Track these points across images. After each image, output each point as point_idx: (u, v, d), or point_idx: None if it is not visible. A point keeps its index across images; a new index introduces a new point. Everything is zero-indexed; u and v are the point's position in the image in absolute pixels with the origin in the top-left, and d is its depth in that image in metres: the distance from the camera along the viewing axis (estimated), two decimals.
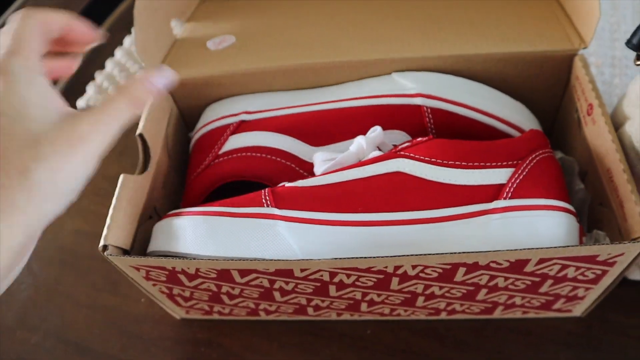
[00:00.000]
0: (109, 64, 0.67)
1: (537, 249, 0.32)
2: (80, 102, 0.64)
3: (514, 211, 0.34)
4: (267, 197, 0.36)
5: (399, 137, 0.42)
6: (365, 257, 0.32)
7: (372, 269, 0.34)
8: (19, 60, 0.29)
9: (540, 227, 0.34)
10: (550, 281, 0.36)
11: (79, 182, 0.29)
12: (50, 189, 0.28)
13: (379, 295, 0.38)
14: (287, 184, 0.38)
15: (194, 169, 0.44)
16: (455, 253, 0.32)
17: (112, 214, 0.36)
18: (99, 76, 0.67)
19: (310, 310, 0.42)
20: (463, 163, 0.36)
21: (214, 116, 0.46)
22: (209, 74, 0.45)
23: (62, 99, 0.30)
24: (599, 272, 0.35)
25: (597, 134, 0.38)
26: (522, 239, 0.34)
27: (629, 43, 0.36)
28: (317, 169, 0.40)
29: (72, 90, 0.69)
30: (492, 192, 0.35)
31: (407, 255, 0.32)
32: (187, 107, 0.48)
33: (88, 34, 0.35)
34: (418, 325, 0.44)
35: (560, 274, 0.35)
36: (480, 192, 0.35)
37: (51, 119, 0.29)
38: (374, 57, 0.43)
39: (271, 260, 0.34)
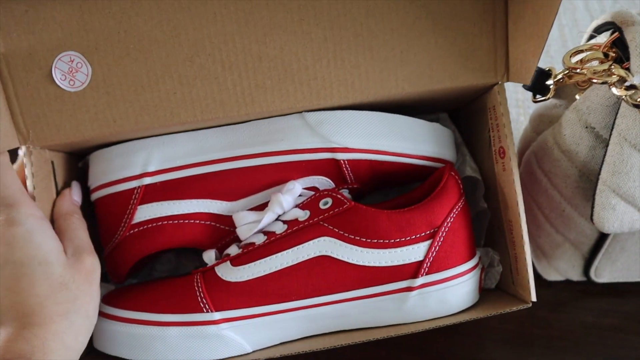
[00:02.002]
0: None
1: (445, 318, 0.40)
2: None
3: (430, 286, 0.39)
4: (205, 300, 0.38)
5: (320, 181, 0.42)
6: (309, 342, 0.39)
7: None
8: (23, 211, 0.33)
9: (451, 295, 0.39)
10: None
11: (98, 306, 0.36)
12: (86, 324, 0.34)
13: None
14: (218, 272, 0.39)
15: (108, 237, 0.42)
16: (378, 330, 0.39)
17: None
18: None
19: None
20: (384, 241, 0.38)
21: (111, 176, 0.41)
22: (90, 136, 0.38)
23: None
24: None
25: (506, 182, 0.40)
26: (435, 308, 0.40)
27: (524, 86, 0.41)
28: (240, 232, 0.41)
29: None
30: (412, 270, 0.39)
31: (340, 339, 0.39)
32: (73, 150, 0.43)
33: None
34: None
35: None
36: (401, 270, 0.39)
37: (63, 260, 0.34)
38: (282, 106, 0.39)
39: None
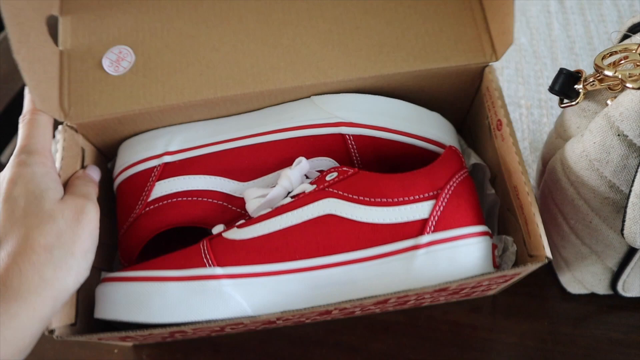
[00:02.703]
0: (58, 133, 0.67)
1: (456, 281, 0.37)
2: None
3: (437, 244, 0.38)
4: (208, 255, 0.38)
5: (325, 162, 0.44)
6: (310, 308, 0.36)
7: (315, 311, 0.38)
8: (36, 158, 0.37)
9: (461, 255, 0.38)
10: (467, 289, 0.41)
11: (90, 253, 0.37)
12: (68, 262, 0.34)
13: (321, 315, 0.42)
14: (224, 235, 0.39)
15: (125, 217, 0.44)
16: (385, 295, 0.36)
17: None
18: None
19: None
20: (388, 200, 0.39)
21: (135, 158, 0.44)
22: (122, 113, 0.43)
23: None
24: (507, 279, 0.40)
25: (505, 150, 0.41)
26: (445, 268, 0.38)
27: (551, 89, 0.39)
28: (249, 206, 0.42)
29: None
30: (417, 228, 0.38)
31: (348, 301, 0.37)
32: (102, 143, 0.47)
33: None
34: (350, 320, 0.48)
35: (475, 286, 0.40)
36: (406, 228, 0.38)
37: (57, 197, 0.36)
38: (293, 84, 0.43)
39: (221, 320, 0.37)
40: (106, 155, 0.49)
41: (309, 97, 0.45)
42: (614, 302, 0.48)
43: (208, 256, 0.38)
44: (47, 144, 0.39)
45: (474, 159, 0.46)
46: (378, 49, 0.44)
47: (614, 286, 0.46)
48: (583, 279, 0.47)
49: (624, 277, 0.45)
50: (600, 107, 0.39)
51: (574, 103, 0.39)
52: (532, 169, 0.57)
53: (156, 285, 0.38)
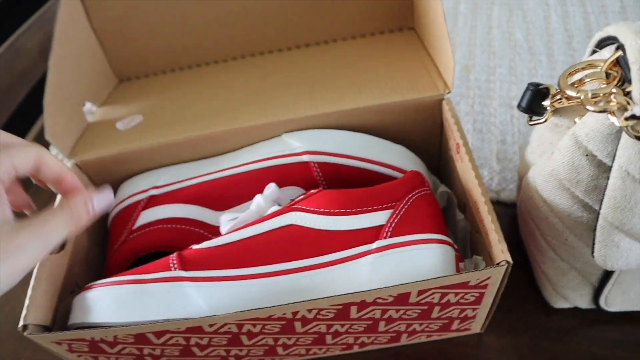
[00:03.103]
0: None
1: (412, 283, 0.36)
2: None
3: (393, 248, 0.38)
4: (174, 261, 0.40)
5: (294, 192, 0.46)
6: (263, 308, 0.36)
7: (274, 317, 0.37)
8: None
9: (418, 260, 0.38)
10: (437, 307, 0.40)
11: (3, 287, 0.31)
12: None
13: (289, 338, 0.42)
14: (194, 247, 0.41)
15: (112, 245, 0.47)
16: (342, 295, 0.36)
17: (30, 294, 0.39)
18: (53, 149, 0.69)
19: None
20: (347, 210, 0.40)
21: (126, 194, 0.49)
22: (117, 152, 0.49)
23: (10, 210, 0.32)
24: (476, 294, 0.39)
25: (465, 169, 0.43)
26: (403, 273, 0.38)
27: (519, 107, 0.38)
28: (223, 229, 0.44)
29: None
30: (373, 234, 0.39)
31: (300, 302, 0.36)
32: (102, 183, 0.51)
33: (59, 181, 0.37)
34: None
35: (443, 301, 0.39)
36: (363, 234, 0.39)
37: None
38: (264, 121, 0.48)
39: (179, 320, 0.37)
40: None
41: (280, 135, 0.49)
42: (597, 317, 0.46)
43: (174, 262, 0.40)
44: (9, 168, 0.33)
45: (442, 187, 0.48)
46: (340, 90, 0.49)
47: (597, 301, 0.44)
48: (565, 294, 0.45)
49: (605, 292, 0.43)
50: (572, 123, 0.38)
51: (541, 121, 0.38)
52: None
53: (121, 288, 0.39)
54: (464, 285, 0.37)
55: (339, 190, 0.41)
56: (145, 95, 0.56)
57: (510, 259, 0.36)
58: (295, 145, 0.47)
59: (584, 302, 0.45)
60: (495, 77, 0.65)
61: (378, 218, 0.40)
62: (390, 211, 0.40)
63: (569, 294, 0.45)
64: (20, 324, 0.37)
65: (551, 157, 0.38)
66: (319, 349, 0.45)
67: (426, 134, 0.50)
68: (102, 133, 0.51)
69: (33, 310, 0.38)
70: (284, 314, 0.37)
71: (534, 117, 0.39)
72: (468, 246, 0.45)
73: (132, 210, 0.47)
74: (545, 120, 0.38)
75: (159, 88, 0.57)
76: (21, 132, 0.89)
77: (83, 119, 0.53)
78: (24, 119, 0.90)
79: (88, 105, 0.54)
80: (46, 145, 0.71)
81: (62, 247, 0.44)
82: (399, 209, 0.40)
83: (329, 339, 0.43)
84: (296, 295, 0.38)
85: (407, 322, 0.42)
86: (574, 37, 0.66)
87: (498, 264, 0.36)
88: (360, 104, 0.47)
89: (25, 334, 0.37)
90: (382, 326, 0.42)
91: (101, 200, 0.37)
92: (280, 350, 0.44)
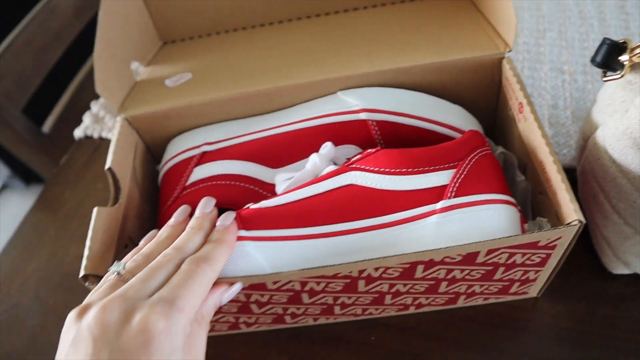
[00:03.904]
0: None
1: (483, 241, 0.35)
2: (77, 132, 0.67)
3: (458, 209, 0.37)
4: (236, 220, 0.39)
5: (350, 150, 0.45)
6: (330, 266, 0.35)
7: (339, 275, 0.37)
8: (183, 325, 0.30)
9: (484, 220, 0.37)
10: (502, 268, 0.39)
11: None
12: None
13: (349, 297, 0.41)
14: (252, 206, 0.40)
15: (165, 201, 0.47)
16: (411, 253, 0.35)
17: (89, 245, 0.39)
18: (94, 106, 0.69)
19: (287, 318, 0.45)
20: (409, 170, 0.39)
21: (177, 150, 0.48)
22: (168, 107, 0.48)
23: None
24: (543, 255, 0.38)
25: (529, 129, 0.41)
26: (470, 233, 0.37)
27: (593, 61, 0.37)
28: (279, 189, 0.43)
29: (68, 120, 0.71)
30: (437, 193, 0.38)
31: (368, 260, 0.35)
32: (152, 140, 0.51)
33: None
34: (391, 320, 0.47)
35: (509, 261, 0.38)
36: (426, 194, 0.38)
37: None
38: (319, 78, 0.46)
39: (244, 276, 0.36)
40: (154, 156, 0.53)
41: (336, 92, 0.47)
42: None
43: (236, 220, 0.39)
44: (197, 304, 0.32)
45: (500, 149, 0.47)
46: (396, 48, 0.48)
47: None
48: (626, 259, 0.44)
49: None
50: None
51: (618, 76, 0.37)
52: (574, 140, 0.54)
53: None
54: (533, 245, 0.37)
55: (398, 150, 0.40)
56: (192, 56, 0.55)
57: (583, 219, 0.35)
58: (352, 103, 0.45)
59: None
60: (545, 41, 0.63)
61: (441, 178, 0.39)
62: (452, 171, 0.39)
63: (631, 260, 0.44)
64: (81, 274, 0.37)
65: (625, 115, 0.37)
66: (375, 309, 0.44)
67: (482, 94, 0.49)
68: (151, 90, 0.51)
69: (92, 260, 0.38)
70: (350, 272, 0.37)
71: (609, 73, 0.37)
72: (529, 208, 0.44)
73: (185, 166, 0.47)
74: (622, 76, 0.37)
75: (205, 49, 0.55)
76: (56, 92, 0.89)
77: (131, 77, 0.52)
78: (60, 79, 0.89)
79: (135, 64, 0.53)
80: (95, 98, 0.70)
81: (116, 200, 0.43)
82: (462, 168, 0.39)
83: (388, 299, 0.42)
84: (358, 255, 0.38)
85: (469, 283, 0.41)
86: (627, 1, 0.64)
87: (569, 223, 0.35)
88: (418, 62, 0.46)
89: (86, 284, 0.37)
90: (443, 287, 0.41)
91: (230, 294, 0.37)
92: (337, 309, 0.43)
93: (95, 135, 0.67)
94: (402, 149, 0.40)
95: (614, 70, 0.37)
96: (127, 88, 0.51)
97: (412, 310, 0.46)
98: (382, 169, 0.39)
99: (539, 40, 0.62)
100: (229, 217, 0.38)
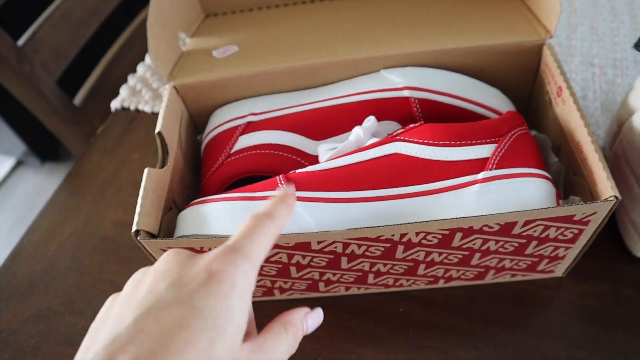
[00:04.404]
0: (140, 67, 0.72)
1: (522, 211, 0.37)
2: (114, 103, 0.68)
3: (499, 179, 0.39)
4: (282, 182, 0.41)
5: (391, 127, 0.47)
6: (375, 227, 0.37)
7: (381, 238, 0.39)
8: (246, 266, 0.28)
9: (523, 192, 0.39)
10: (534, 242, 0.41)
11: None
12: None
13: (384, 265, 0.43)
14: (298, 171, 0.42)
15: (208, 168, 0.48)
16: (453, 219, 0.37)
17: (141, 203, 0.40)
18: (131, 79, 0.71)
19: (321, 285, 0.46)
20: (452, 142, 0.41)
21: (223, 119, 0.50)
22: (216, 77, 0.50)
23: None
24: (576, 231, 0.40)
25: (567, 112, 0.43)
26: (508, 203, 0.39)
27: (637, 46, 0.40)
28: (322, 158, 0.45)
29: (105, 92, 0.73)
30: (479, 165, 0.40)
31: (412, 223, 0.37)
32: (196, 110, 0.53)
33: None
34: (419, 294, 0.48)
35: (543, 235, 0.40)
36: (469, 165, 0.40)
37: (239, 341, 0.27)
38: (363, 55, 0.48)
39: (292, 234, 0.38)
40: (197, 127, 0.55)
41: (379, 71, 0.49)
42: None
43: (282, 182, 0.41)
44: (261, 255, 0.30)
45: (534, 132, 0.48)
46: (439, 30, 0.50)
47: None
48: None
49: None
50: None
51: None
52: (602, 130, 0.56)
53: (231, 203, 0.40)
54: (568, 219, 0.38)
55: (442, 124, 0.42)
56: (236, 29, 0.57)
57: (619, 195, 0.36)
58: (396, 81, 0.47)
59: None
60: (576, 35, 0.64)
61: (483, 151, 0.40)
62: (494, 145, 0.41)
63: None
64: (133, 229, 0.39)
65: None
66: (406, 280, 0.46)
67: (519, 79, 0.50)
68: (198, 60, 0.52)
69: (144, 217, 0.40)
70: (392, 235, 0.38)
71: None
72: (562, 188, 0.45)
73: (230, 135, 0.48)
74: None
75: (248, 23, 0.57)
76: (90, 65, 0.90)
77: (179, 47, 0.54)
78: (92, 54, 0.91)
79: (182, 35, 0.55)
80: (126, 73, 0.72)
81: (164, 162, 0.45)
82: (503, 143, 0.41)
83: (421, 269, 0.44)
84: (401, 220, 0.39)
85: (501, 256, 0.43)
86: None
87: (606, 199, 0.37)
88: (460, 44, 0.47)
89: (138, 239, 0.39)
90: (475, 259, 0.43)
91: (314, 318, 0.33)
92: (370, 278, 0.45)
93: (132, 107, 0.68)
94: (445, 124, 0.42)
95: None
96: (175, 57, 0.52)
97: (441, 283, 0.47)
98: (426, 141, 0.41)
99: (570, 34, 0.64)
100: (289, 186, 0.39)
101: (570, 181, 0.44)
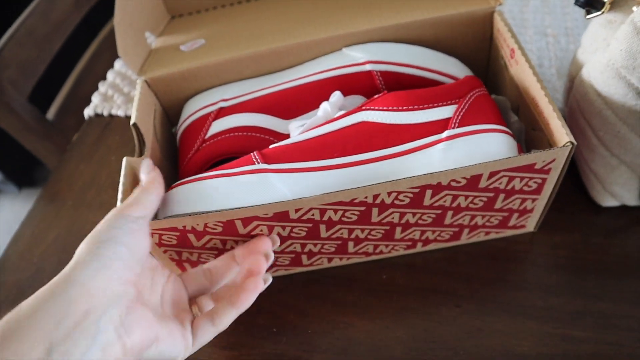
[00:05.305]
0: (110, 74, 0.73)
1: (486, 162, 0.39)
2: (88, 111, 0.69)
3: (462, 137, 0.41)
4: (257, 157, 0.42)
5: (357, 100, 0.49)
6: (348, 190, 0.39)
7: (355, 201, 0.40)
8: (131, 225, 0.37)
9: (486, 146, 0.41)
10: (502, 195, 0.43)
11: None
12: None
13: (362, 230, 0.44)
14: (271, 146, 0.44)
15: (185, 154, 0.50)
16: (421, 175, 0.39)
17: (122, 189, 0.41)
18: (102, 86, 0.72)
19: (304, 258, 0.48)
20: (415, 106, 0.43)
21: (196, 107, 0.51)
22: (185, 68, 0.51)
23: None
24: (539, 180, 0.42)
25: (520, 71, 0.45)
26: (473, 158, 0.40)
27: (577, 2, 0.42)
28: (293, 134, 0.46)
29: (77, 104, 0.74)
30: (442, 125, 0.42)
31: (382, 183, 0.39)
32: (168, 102, 0.54)
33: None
34: (400, 260, 0.50)
35: (508, 187, 0.42)
36: (432, 126, 0.42)
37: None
38: (324, 35, 0.50)
39: (269, 204, 0.39)
40: (170, 119, 0.56)
41: (341, 49, 0.51)
42: None
43: (257, 157, 0.43)
44: (149, 212, 0.38)
45: (493, 96, 0.50)
46: (396, 5, 0.52)
47: None
48: (613, 190, 0.48)
49: None
50: (626, 17, 0.40)
51: (599, 13, 0.41)
52: (559, 94, 0.59)
53: (209, 181, 0.42)
54: (530, 168, 0.40)
55: (405, 91, 0.44)
56: (201, 26, 0.58)
57: (574, 141, 0.39)
58: (358, 57, 0.49)
59: (632, 198, 0.48)
60: (528, 8, 0.67)
61: (444, 112, 0.43)
62: (455, 106, 0.43)
63: (618, 190, 0.48)
64: None
65: (607, 48, 0.41)
66: (385, 245, 0.48)
67: (475, 48, 0.53)
68: (167, 55, 0.54)
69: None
70: (366, 197, 0.40)
71: (591, 12, 0.42)
72: (524, 145, 0.48)
73: (204, 122, 0.50)
74: (603, 12, 0.41)
75: (213, 20, 0.59)
76: (60, 79, 0.91)
77: (147, 44, 0.55)
78: (63, 67, 0.92)
79: (148, 35, 0.56)
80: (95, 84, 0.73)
81: (141, 153, 0.46)
82: (463, 104, 0.43)
83: (398, 232, 0.46)
84: (372, 182, 0.41)
85: (472, 213, 0.45)
86: None
87: (563, 145, 0.39)
88: (417, 17, 0.50)
89: None
90: (448, 218, 0.45)
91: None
92: (350, 246, 0.47)
93: (105, 113, 0.69)
94: (407, 90, 0.44)
95: (596, 8, 0.41)
96: (144, 54, 0.54)
97: (419, 247, 0.49)
98: (391, 108, 0.43)
99: (522, 8, 0.67)
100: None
101: (530, 137, 0.46)
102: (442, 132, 0.42)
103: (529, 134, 0.47)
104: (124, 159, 0.43)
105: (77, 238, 0.59)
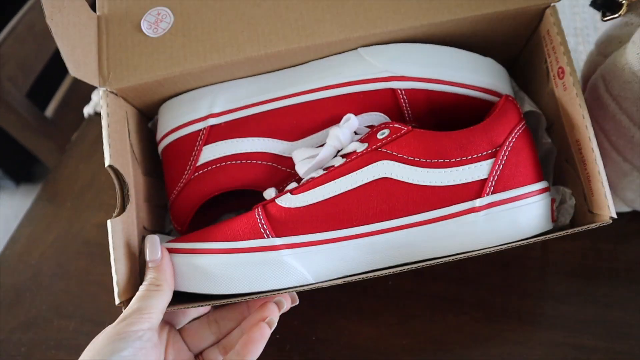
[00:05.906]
0: None
1: (517, 241, 0.38)
2: (87, 109, 0.68)
3: (497, 206, 0.37)
4: (265, 226, 0.38)
5: (375, 118, 0.42)
6: (371, 271, 0.38)
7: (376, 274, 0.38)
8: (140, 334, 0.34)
9: (521, 216, 0.37)
10: None
11: None
12: None
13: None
14: (278, 202, 0.39)
15: (174, 182, 0.44)
16: (458, 255, 0.37)
17: (115, 268, 0.37)
18: None
19: None
20: (445, 161, 0.37)
21: (178, 121, 0.43)
22: (162, 75, 0.41)
23: None
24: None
25: (568, 101, 0.39)
26: (505, 230, 0.37)
27: (593, 4, 0.40)
28: (299, 168, 0.41)
29: (76, 101, 0.72)
30: (476, 189, 0.37)
31: (408, 266, 0.38)
32: (143, 105, 0.46)
33: None
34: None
35: None
36: (465, 190, 0.37)
37: None
38: (340, 37, 0.41)
39: (288, 290, 0.37)
40: (147, 116, 0.48)
41: (356, 49, 0.42)
42: None
43: (265, 226, 0.38)
44: (155, 321, 0.35)
45: (528, 105, 0.45)
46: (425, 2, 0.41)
47: None
48: (624, 196, 0.47)
49: None
50: None
51: (616, 15, 0.39)
52: None
53: (219, 257, 0.38)
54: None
55: (432, 133, 0.38)
56: None
57: (615, 214, 0.36)
58: (378, 68, 0.41)
59: None
60: None
61: (479, 170, 0.37)
62: (491, 161, 0.37)
63: (629, 196, 0.47)
64: (117, 302, 0.37)
65: (623, 52, 0.39)
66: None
67: (512, 41, 0.46)
68: (129, 43, 0.42)
69: (122, 284, 0.38)
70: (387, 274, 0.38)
71: (607, 14, 0.40)
72: (551, 170, 0.45)
73: (191, 143, 0.43)
74: (620, 15, 0.39)
75: None
76: (59, 76, 0.89)
77: (94, 45, 0.43)
78: (62, 64, 0.90)
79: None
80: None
81: (123, 205, 0.40)
82: (500, 157, 0.37)
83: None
84: (395, 251, 0.38)
85: None
86: None
87: (599, 217, 0.38)
88: (454, 15, 0.41)
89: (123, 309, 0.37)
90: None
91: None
92: None
93: None
94: (435, 133, 0.38)
95: (612, 11, 0.40)
96: (94, 52, 0.42)
97: None
98: (416, 158, 0.38)
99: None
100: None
101: (561, 166, 0.43)
102: (475, 197, 0.37)
103: (560, 162, 0.43)
104: (109, 223, 0.38)
105: (76, 240, 0.59)
